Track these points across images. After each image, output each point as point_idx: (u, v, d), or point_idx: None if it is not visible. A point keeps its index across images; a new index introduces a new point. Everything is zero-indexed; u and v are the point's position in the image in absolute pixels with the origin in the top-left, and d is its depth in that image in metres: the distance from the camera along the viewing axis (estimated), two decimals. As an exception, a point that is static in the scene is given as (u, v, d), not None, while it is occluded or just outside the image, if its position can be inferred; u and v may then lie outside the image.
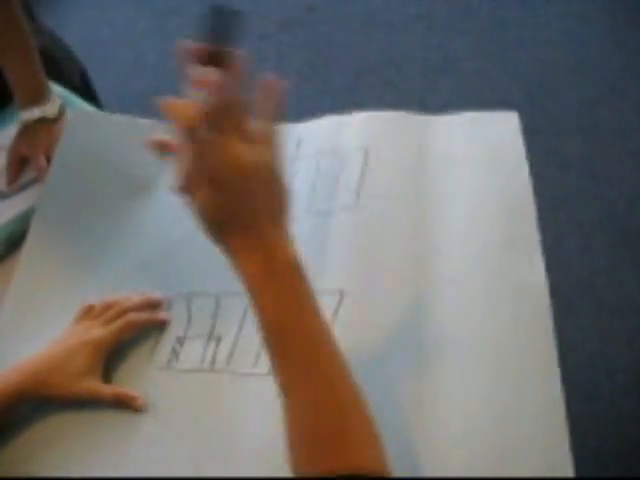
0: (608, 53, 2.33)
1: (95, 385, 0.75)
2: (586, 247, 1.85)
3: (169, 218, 0.90)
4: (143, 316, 0.81)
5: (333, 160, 0.91)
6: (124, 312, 0.80)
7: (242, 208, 0.54)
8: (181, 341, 0.79)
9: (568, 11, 2.47)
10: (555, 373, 0.68)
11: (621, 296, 1.75)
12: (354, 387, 0.53)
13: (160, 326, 0.81)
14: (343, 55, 2.48)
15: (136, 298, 0.82)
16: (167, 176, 0.94)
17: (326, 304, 0.75)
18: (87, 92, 1.34)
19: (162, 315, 0.82)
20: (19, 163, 1.02)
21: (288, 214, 0.56)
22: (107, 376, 0.77)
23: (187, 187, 0.54)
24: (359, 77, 2.39)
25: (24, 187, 1.00)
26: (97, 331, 0.77)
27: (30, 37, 1.03)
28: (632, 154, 2.04)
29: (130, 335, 0.80)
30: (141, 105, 2.46)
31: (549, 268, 1.88)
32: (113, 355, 0.78)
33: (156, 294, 0.83)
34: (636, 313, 1.72)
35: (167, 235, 0.89)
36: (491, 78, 2.30)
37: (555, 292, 1.77)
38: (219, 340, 0.78)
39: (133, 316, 0.80)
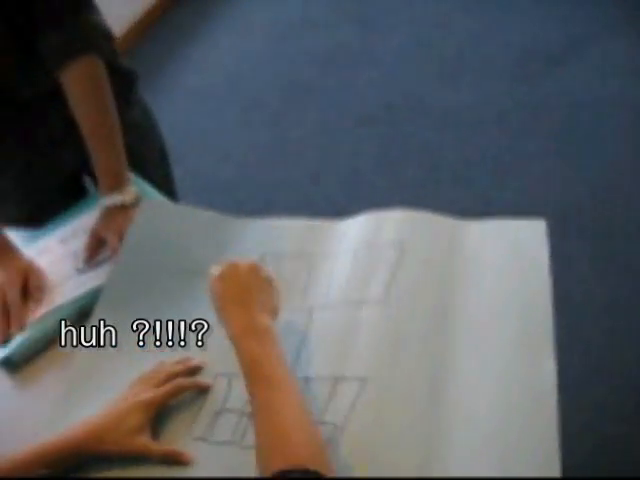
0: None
1: (146, 442, 0.83)
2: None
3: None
4: (190, 380, 0.90)
5: (369, 253, 0.98)
6: (172, 377, 0.90)
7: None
8: (218, 415, 0.87)
9: (637, 114, 2.50)
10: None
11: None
12: (301, 407, 0.72)
13: (201, 398, 0.89)
14: (417, 151, 2.57)
15: (180, 365, 0.92)
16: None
17: (349, 390, 0.82)
18: (162, 163, 1.46)
19: (206, 381, 0.90)
20: (97, 243, 1.13)
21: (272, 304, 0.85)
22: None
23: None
24: (430, 173, 2.48)
25: (99, 265, 1.11)
26: (148, 394, 0.86)
27: (119, 129, 1.15)
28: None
29: (176, 397, 0.88)
30: (225, 194, 2.59)
31: (601, 373, 1.85)
32: (155, 424, 0.86)
33: (195, 360, 0.93)
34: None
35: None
36: (559, 180, 2.33)
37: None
38: (250, 417, 0.85)
39: (181, 380, 0.89)
